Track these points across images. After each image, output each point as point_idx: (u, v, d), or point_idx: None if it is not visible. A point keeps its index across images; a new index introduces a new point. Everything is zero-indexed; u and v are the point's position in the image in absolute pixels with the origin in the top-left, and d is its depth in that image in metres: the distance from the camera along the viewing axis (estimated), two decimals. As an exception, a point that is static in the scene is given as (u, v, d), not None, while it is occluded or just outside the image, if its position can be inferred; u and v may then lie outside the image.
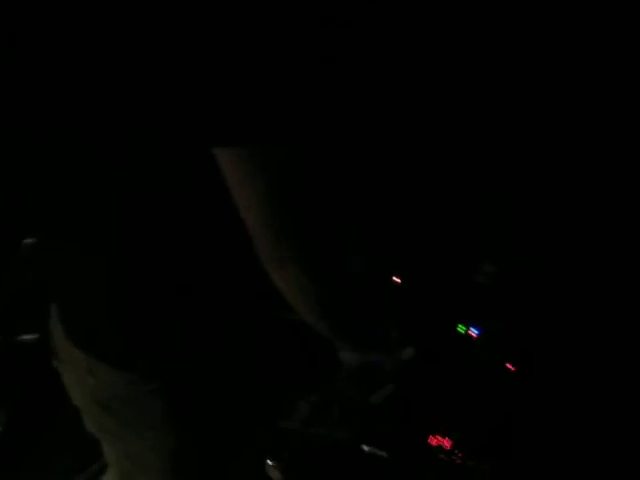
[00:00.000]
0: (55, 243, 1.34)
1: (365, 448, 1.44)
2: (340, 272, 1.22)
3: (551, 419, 1.72)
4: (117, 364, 1.29)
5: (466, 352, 1.44)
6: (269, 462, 1.56)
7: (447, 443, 1.40)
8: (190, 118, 1.03)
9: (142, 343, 1.29)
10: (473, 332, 1.46)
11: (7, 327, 2.37)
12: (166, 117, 1.06)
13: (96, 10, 1.06)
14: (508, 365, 1.44)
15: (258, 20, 0.99)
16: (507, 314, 1.61)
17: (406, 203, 2.21)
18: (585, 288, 2.21)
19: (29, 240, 1.53)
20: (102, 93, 1.09)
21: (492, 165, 2.45)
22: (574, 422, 1.85)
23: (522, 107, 2.53)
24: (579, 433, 1.85)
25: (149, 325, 1.28)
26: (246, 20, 0.98)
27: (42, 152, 1.27)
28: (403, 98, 2.24)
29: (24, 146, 1.30)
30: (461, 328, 1.45)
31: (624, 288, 2.20)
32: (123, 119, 1.10)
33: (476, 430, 1.41)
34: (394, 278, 1.57)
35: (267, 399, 1.56)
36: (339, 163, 1.45)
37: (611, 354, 2.09)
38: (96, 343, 1.30)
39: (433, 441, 1.41)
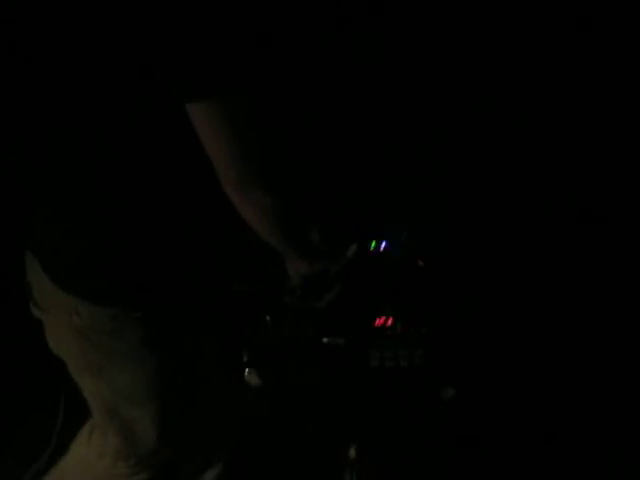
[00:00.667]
0: (44, 195, 1.52)
1: (325, 340, 1.73)
2: (290, 192, 1.48)
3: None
4: (102, 301, 1.48)
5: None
6: (246, 370, 1.84)
7: (389, 321, 1.72)
8: (169, 82, 1.29)
9: (123, 281, 1.49)
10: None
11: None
12: (148, 82, 1.31)
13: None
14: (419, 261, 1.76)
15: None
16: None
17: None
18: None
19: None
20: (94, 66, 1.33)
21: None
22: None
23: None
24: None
25: (130, 265, 1.48)
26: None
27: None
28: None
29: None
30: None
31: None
32: (111, 86, 1.34)
33: (408, 306, 1.75)
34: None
35: (234, 321, 1.81)
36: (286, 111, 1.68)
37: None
38: (82, 285, 1.49)
39: (378, 322, 1.73)
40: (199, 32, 1.25)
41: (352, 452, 1.79)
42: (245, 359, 1.83)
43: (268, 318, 1.74)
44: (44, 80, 1.44)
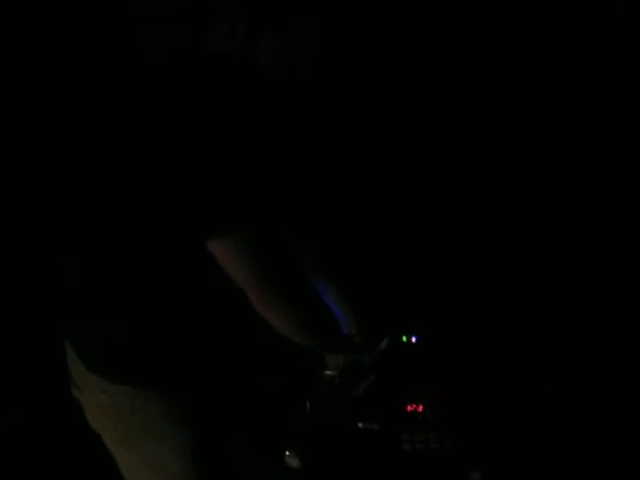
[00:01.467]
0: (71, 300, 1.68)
1: (360, 425, 1.87)
2: (311, 302, 1.65)
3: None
4: (122, 381, 1.63)
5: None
6: (286, 452, 1.96)
7: (420, 408, 1.87)
8: (189, 225, 1.46)
9: (140, 365, 1.63)
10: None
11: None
12: (172, 224, 1.48)
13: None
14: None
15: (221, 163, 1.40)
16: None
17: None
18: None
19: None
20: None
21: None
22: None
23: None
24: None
25: (146, 352, 1.63)
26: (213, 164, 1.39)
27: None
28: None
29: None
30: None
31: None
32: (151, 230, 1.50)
33: (437, 393, 1.89)
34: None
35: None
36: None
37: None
38: (106, 367, 1.64)
39: (409, 409, 1.88)
40: (213, 180, 1.40)
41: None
42: (286, 442, 1.95)
43: (308, 404, 1.88)
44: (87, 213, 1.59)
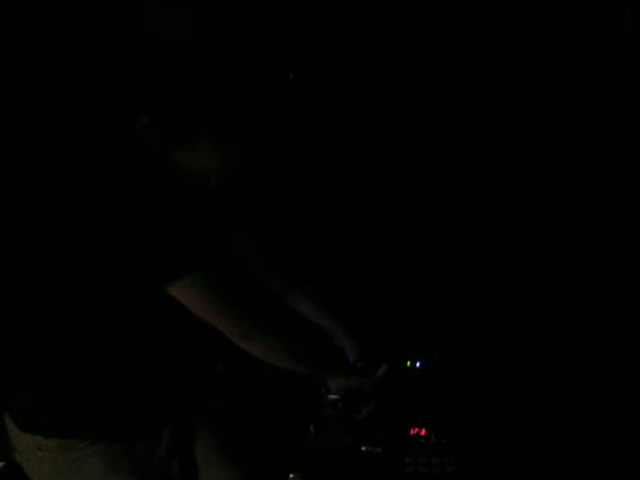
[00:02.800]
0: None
1: (363, 448, 1.89)
2: (286, 326, 1.68)
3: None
4: (56, 435, 1.62)
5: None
6: (290, 475, 1.99)
7: (422, 432, 1.90)
8: (144, 274, 1.49)
9: (72, 416, 1.63)
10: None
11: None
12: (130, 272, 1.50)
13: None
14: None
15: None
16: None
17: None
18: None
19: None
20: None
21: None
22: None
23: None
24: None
25: (83, 405, 1.62)
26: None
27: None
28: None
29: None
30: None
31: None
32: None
33: (440, 418, 1.92)
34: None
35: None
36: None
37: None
38: (38, 425, 1.64)
39: (412, 432, 1.90)
40: (162, 234, 1.46)
41: None
42: (291, 466, 1.98)
43: (312, 428, 1.91)
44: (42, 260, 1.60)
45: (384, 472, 1.87)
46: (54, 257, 1.55)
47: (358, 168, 2.77)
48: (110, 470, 1.65)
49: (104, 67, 2.11)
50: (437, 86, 2.74)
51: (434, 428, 1.89)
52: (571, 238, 2.73)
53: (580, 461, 2.28)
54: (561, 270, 2.73)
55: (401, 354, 1.95)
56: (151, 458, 1.71)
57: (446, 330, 2.37)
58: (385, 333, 2.01)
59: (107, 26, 2.07)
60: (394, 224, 2.76)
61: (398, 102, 2.77)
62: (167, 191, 1.48)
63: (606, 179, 2.72)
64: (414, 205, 2.82)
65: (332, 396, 1.86)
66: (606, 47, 2.69)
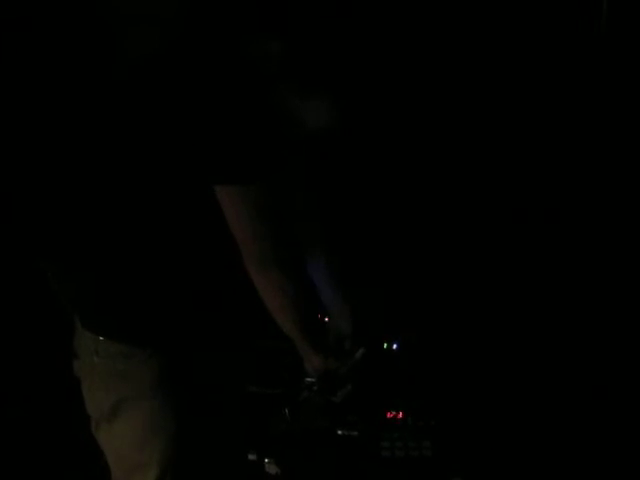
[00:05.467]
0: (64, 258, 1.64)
1: (340, 432, 1.86)
2: (303, 277, 1.64)
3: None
4: (116, 338, 1.58)
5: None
6: (265, 460, 1.95)
7: (399, 415, 1.86)
8: (200, 168, 1.46)
9: (135, 320, 1.58)
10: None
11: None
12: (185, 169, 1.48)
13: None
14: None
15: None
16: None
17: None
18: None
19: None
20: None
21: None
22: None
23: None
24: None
25: (141, 307, 1.58)
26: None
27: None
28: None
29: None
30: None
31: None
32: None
33: (417, 401, 1.89)
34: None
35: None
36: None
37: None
38: (101, 325, 1.60)
39: (389, 415, 1.87)
40: (233, 129, 1.44)
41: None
42: (265, 450, 1.94)
43: (287, 411, 1.87)
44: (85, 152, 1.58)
45: (361, 456, 1.84)
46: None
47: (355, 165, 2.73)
48: (163, 385, 1.60)
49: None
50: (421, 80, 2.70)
51: (411, 411, 1.86)
52: (563, 233, 2.71)
53: (556, 441, 2.26)
54: (540, 254, 2.71)
55: (378, 336, 1.92)
56: (204, 388, 1.64)
57: (423, 311, 2.33)
58: (363, 314, 1.97)
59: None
60: (380, 207, 2.72)
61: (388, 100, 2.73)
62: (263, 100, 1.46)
63: (596, 174, 2.70)
64: (401, 190, 2.78)
65: (308, 379, 1.82)
66: (585, 43, 2.66)
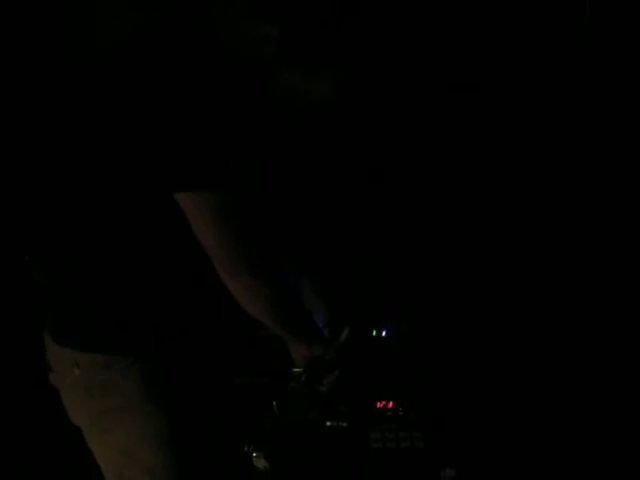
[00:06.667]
0: (47, 261, 1.63)
1: (328, 423, 1.81)
2: (278, 276, 1.60)
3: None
4: (96, 350, 1.57)
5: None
6: (253, 454, 1.90)
7: (390, 405, 1.81)
8: (162, 175, 1.44)
9: (114, 330, 1.58)
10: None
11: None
12: (147, 176, 1.45)
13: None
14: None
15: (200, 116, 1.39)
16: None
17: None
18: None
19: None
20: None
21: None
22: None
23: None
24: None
25: (119, 316, 1.58)
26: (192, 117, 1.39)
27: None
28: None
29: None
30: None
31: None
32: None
33: (408, 390, 1.84)
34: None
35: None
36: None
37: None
38: (79, 338, 1.58)
39: (379, 405, 1.82)
40: (196, 131, 1.40)
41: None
42: (252, 444, 1.90)
43: (275, 403, 1.82)
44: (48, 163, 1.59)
45: (350, 448, 1.79)
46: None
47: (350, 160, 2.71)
48: (148, 394, 1.58)
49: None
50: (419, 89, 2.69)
51: (402, 401, 1.81)
52: (560, 230, 2.70)
53: (550, 433, 2.24)
54: (535, 247, 2.69)
55: (367, 322, 1.87)
56: (192, 390, 1.65)
57: (415, 297, 2.29)
58: (350, 300, 1.93)
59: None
60: (373, 197, 2.70)
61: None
62: (234, 96, 1.44)
63: (605, 179, 2.69)
64: (394, 180, 2.76)
65: (295, 369, 1.78)
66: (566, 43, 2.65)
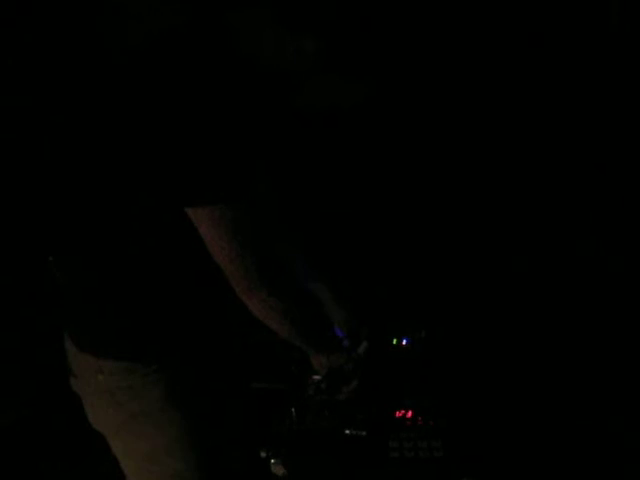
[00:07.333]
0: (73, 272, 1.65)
1: (347, 432, 1.81)
2: (294, 289, 1.59)
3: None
4: (120, 357, 1.57)
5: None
6: (272, 461, 1.91)
7: (409, 414, 1.81)
8: (175, 190, 1.44)
9: (138, 338, 1.59)
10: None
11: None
12: (159, 192, 1.47)
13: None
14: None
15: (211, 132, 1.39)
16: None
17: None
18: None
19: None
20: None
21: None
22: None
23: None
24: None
25: (144, 326, 1.58)
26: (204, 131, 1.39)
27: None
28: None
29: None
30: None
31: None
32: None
33: (427, 400, 1.84)
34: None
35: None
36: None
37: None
38: (103, 345, 1.59)
39: (398, 414, 1.82)
40: (207, 145, 1.40)
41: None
42: (271, 450, 1.90)
43: (293, 411, 1.83)
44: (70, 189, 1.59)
45: (369, 456, 1.79)
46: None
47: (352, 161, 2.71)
48: (171, 400, 1.59)
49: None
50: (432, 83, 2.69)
51: (421, 410, 1.81)
52: (562, 229, 2.69)
53: (566, 442, 2.23)
54: (545, 250, 2.68)
55: (387, 331, 1.87)
56: (214, 396, 1.65)
57: (434, 307, 2.29)
58: (370, 309, 1.93)
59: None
60: (386, 201, 2.69)
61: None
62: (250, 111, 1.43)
63: (604, 179, 2.68)
64: (405, 185, 2.76)
65: (315, 376, 1.78)
66: (597, 40, 2.64)
